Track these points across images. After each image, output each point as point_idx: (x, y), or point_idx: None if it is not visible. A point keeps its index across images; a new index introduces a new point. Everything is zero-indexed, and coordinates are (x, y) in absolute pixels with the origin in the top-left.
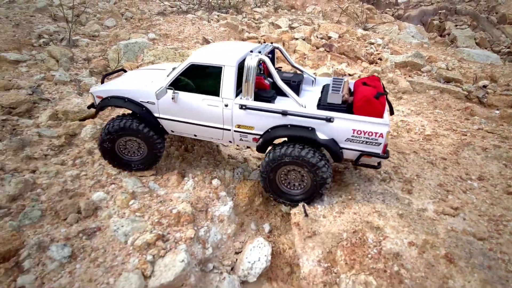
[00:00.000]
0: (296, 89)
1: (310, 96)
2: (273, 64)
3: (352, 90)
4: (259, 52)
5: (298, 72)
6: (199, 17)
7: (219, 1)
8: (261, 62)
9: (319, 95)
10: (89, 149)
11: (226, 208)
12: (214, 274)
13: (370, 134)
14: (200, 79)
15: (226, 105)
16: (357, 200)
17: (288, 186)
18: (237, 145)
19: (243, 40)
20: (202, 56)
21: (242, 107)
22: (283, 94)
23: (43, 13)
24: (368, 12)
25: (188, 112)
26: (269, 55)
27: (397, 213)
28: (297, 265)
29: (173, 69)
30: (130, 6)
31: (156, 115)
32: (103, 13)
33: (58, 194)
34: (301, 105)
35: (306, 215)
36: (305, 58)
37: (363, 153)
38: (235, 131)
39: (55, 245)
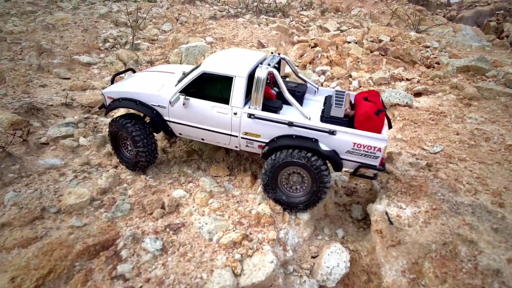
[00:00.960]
0: (301, 99)
1: (313, 106)
2: (279, 72)
3: (353, 103)
4: (268, 64)
5: (302, 82)
6: (249, 20)
7: (265, 4)
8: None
9: (322, 106)
10: (163, 147)
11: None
12: (294, 277)
13: (369, 148)
14: (211, 87)
15: (235, 113)
16: (443, 210)
17: (290, 189)
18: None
19: (293, 43)
20: (214, 65)
21: (250, 116)
22: (288, 102)
23: (106, 18)
24: (418, 13)
25: (197, 118)
26: (276, 65)
27: (491, 227)
28: (375, 273)
29: (183, 73)
30: (182, 11)
31: (166, 118)
32: (158, 18)
33: (142, 189)
34: (306, 117)
35: (391, 223)
36: (358, 61)
37: (362, 165)
38: (242, 137)
39: (149, 237)
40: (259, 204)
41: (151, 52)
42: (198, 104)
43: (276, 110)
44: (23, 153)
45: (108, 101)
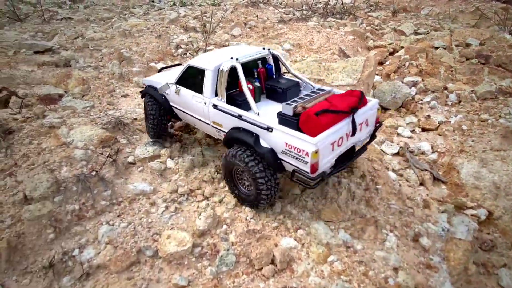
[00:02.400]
0: (283, 96)
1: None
2: (277, 69)
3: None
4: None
5: (297, 79)
6: (321, 24)
7: (328, 5)
8: (258, 66)
9: None
10: None
11: (443, 281)
12: None
13: (299, 150)
14: (193, 78)
15: (205, 103)
16: None
17: (243, 186)
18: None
19: (369, 48)
20: (196, 59)
21: (215, 106)
22: (277, 98)
23: (175, 23)
24: (503, 12)
25: (186, 104)
26: (269, 61)
27: None
28: None
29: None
30: (247, 14)
31: (171, 103)
32: (225, 21)
33: (245, 234)
34: (255, 112)
35: None
36: (451, 70)
37: (296, 169)
38: (212, 126)
39: None
40: (395, 269)
41: None
42: (185, 92)
43: (240, 103)
44: (113, 176)
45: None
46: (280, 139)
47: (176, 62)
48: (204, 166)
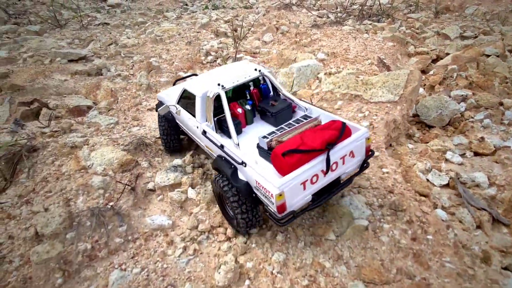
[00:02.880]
0: (274, 120)
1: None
2: (270, 88)
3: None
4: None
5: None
6: (356, 28)
7: (364, 6)
8: (250, 88)
9: None
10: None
11: None
12: None
13: (266, 190)
14: (188, 101)
15: (197, 127)
16: None
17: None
18: None
19: (409, 55)
20: (190, 83)
21: (204, 132)
22: (268, 121)
23: (206, 28)
24: None
25: (186, 126)
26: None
27: None
28: None
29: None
30: (279, 18)
31: (177, 121)
32: (256, 25)
33: None
34: (235, 143)
35: None
36: (507, 82)
37: (266, 207)
38: (207, 150)
39: None
40: None
41: None
42: (184, 114)
43: (227, 129)
44: (131, 207)
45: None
46: (252, 175)
47: (204, 70)
48: None
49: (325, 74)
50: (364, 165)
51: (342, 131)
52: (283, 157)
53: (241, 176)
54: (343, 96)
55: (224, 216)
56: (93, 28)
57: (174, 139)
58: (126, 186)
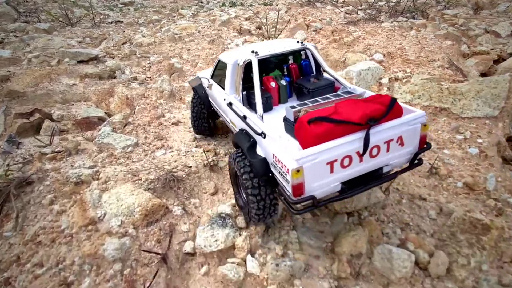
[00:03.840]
0: (311, 98)
1: None
2: (312, 66)
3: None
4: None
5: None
6: (398, 25)
7: (391, 2)
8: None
9: None
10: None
11: None
12: None
13: (282, 165)
14: (220, 73)
15: (224, 99)
16: None
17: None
18: None
19: (464, 55)
20: (226, 52)
21: (229, 104)
22: (305, 99)
23: (227, 26)
24: None
25: (216, 101)
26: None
27: None
28: None
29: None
30: (304, 14)
31: (209, 99)
32: (281, 23)
33: None
34: (260, 114)
35: None
36: None
37: (281, 188)
38: (231, 125)
39: None
40: None
41: None
42: (215, 87)
43: (255, 103)
44: (164, 284)
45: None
46: (271, 148)
47: None
48: (307, 272)
49: (390, 79)
50: (415, 161)
51: (390, 107)
52: (308, 125)
53: (259, 152)
54: (425, 110)
55: (235, 199)
56: (105, 26)
57: (204, 120)
58: (153, 260)
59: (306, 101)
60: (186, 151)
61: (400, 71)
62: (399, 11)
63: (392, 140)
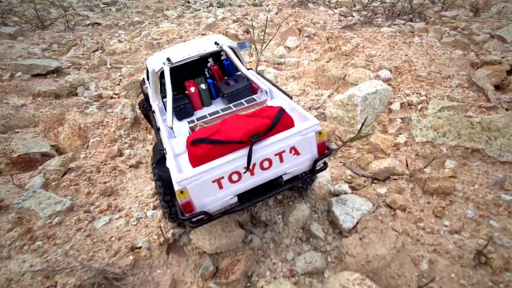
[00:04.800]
0: (227, 102)
1: None
2: (233, 64)
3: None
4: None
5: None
6: (399, 30)
7: (385, 3)
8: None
9: None
10: None
11: None
12: None
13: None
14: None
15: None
16: None
17: None
18: None
19: (472, 64)
20: (152, 56)
21: (152, 112)
22: (225, 102)
23: (213, 29)
24: None
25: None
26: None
27: None
28: None
29: None
30: (296, 17)
31: None
32: (271, 26)
33: None
34: (169, 126)
35: None
36: None
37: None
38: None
39: None
40: None
41: (287, 89)
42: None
43: (175, 109)
44: None
45: None
46: (168, 165)
47: None
48: None
49: (402, 104)
50: (316, 166)
51: (276, 120)
52: (190, 146)
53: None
54: (453, 152)
55: None
56: (81, 29)
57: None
58: None
59: (218, 109)
60: (139, 217)
61: (413, 93)
62: (396, 13)
63: (284, 151)
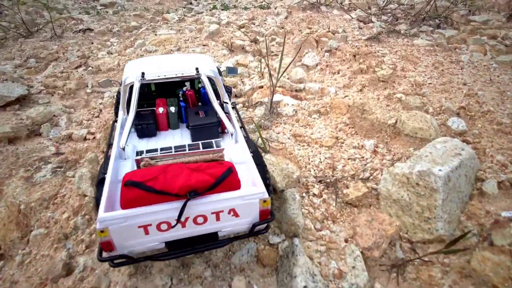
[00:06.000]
0: (191, 135)
1: None
2: (217, 95)
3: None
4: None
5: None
6: (437, 43)
7: (403, 6)
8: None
9: None
10: None
11: None
12: None
13: None
14: None
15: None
16: None
17: None
18: None
19: None
20: (133, 61)
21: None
22: (190, 130)
23: (216, 38)
24: None
25: None
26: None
27: None
28: None
29: None
30: (308, 22)
31: None
32: (281, 34)
33: None
34: (121, 147)
35: None
36: None
37: None
38: None
39: None
40: None
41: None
42: None
43: (138, 126)
44: None
45: None
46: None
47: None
48: None
49: (500, 184)
50: (255, 230)
51: (219, 181)
52: (124, 187)
53: None
54: None
55: None
56: (70, 36)
57: None
58: None
59: (172, 146)
60: None
61: (509, 162)
62: (420, 18)
63: (222, 211)
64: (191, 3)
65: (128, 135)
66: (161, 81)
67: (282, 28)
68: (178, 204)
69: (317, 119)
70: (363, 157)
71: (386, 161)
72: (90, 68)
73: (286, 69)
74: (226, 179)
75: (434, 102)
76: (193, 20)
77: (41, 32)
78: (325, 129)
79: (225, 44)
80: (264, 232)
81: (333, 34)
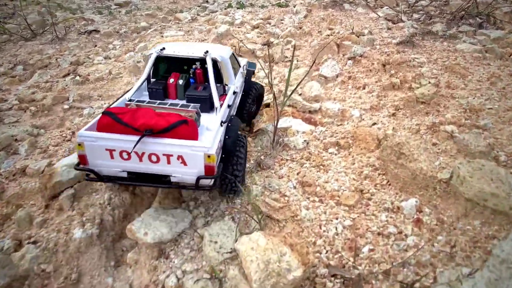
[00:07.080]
0: (186, 101)
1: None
2: (219, 76)
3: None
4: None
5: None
6: (485, 47)
7: (438, 1)
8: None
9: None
10: None
11: None
12: None
13: None
14: None
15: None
16: None
17: None
18: None
19: None
20: (170, 43)
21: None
22: (186, 98)
23: (226, 39)
24: None
25: None
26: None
27: None
28: None
29: None
30: (330, 22)
31: None
32: (298, 36)
33: None
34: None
35: None
36: None
37: None
38: None
39: None
40: None
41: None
42: None
43: (150, 90)
44: None
45: None
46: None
47: None
48: None
49: None
50: (199, 184)
51: (172, 126)
52: (102, 114)
53: None
54: None
55: None
56: (73, 38)
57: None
58: None
59: (157, 101)
60: None
61: None
62: (458, 17)
63: (171, 155)
64: (207, 1)
65: (136, 91)
66: (173, 56)
67: (300, 28)
68: (136, 138)
69: (335, 155)
70: (400, 233)
71: (439, 246)
72: (78, 76)
73: (299, 83)
74: (179, 126)
75: (505, 143)
76: (205, 19)
77: (46, 34)
78: (345, 175)
79: (233, 48)
80: (210, 189)
81: (358, 36)
